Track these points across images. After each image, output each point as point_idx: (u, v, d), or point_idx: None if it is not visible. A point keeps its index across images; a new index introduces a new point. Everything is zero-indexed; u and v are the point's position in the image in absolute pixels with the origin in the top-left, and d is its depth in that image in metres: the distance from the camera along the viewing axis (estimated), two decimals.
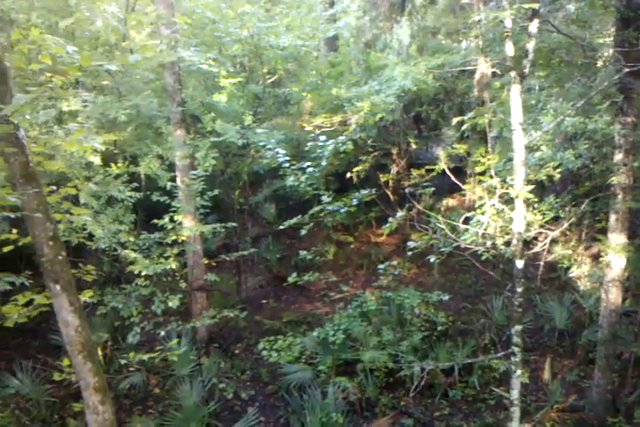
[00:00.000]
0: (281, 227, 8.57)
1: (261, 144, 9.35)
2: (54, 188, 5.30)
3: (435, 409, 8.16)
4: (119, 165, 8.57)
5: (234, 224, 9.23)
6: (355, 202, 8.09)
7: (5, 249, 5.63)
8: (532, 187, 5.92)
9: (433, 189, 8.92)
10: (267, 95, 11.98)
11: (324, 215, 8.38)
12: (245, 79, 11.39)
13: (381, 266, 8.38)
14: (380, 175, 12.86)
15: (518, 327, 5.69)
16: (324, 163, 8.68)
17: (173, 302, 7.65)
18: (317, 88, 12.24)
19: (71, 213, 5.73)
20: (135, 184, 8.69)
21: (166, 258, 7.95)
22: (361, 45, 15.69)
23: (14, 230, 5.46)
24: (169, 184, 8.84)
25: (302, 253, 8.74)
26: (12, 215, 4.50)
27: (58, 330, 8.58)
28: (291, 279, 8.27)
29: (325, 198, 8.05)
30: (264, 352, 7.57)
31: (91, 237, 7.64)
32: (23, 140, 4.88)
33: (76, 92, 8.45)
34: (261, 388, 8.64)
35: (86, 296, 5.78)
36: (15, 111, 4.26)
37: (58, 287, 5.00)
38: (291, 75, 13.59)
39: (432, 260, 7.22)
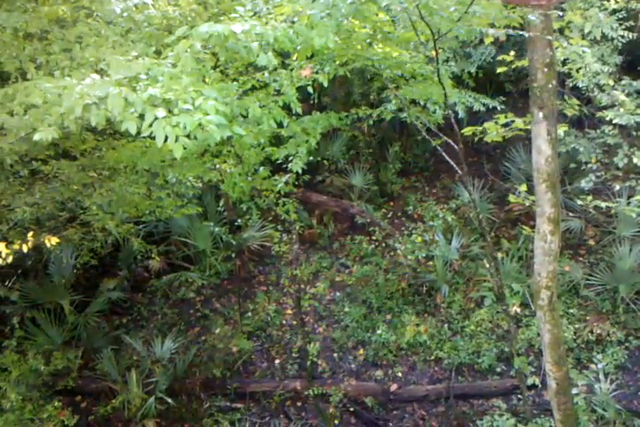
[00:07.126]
0: None
1: None
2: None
3: None
4: None
5: None
6: None
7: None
8: None
9: None
10: None
11: None
12: None
13: None
14: None
15: None
16: None
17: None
18: None
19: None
20: (631, 22, 7.63)
21: None
22: None
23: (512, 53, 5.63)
24: None
25: None
26: (523, 33, 4.54)
27: (511, 159, 9.18)
28: None
29: None
30: None
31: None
32: None
33: None
34: None
35: (560, 130, 5.76)
36: None
37: (541, 115, 5.08)
38: None
39: None
